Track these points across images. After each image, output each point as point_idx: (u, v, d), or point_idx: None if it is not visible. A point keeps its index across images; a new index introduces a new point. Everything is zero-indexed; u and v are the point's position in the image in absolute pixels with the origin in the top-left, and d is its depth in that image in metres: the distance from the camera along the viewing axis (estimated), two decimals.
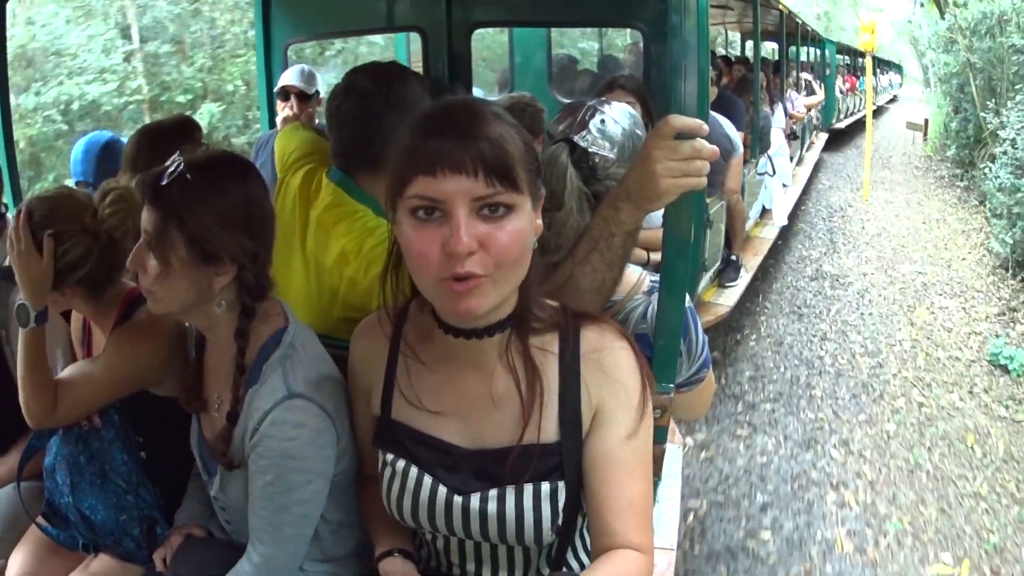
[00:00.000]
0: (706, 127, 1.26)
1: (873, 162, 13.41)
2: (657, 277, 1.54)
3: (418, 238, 1.09)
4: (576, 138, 1.57)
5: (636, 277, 1.54)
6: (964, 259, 8.68)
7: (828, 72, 14.42)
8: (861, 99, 18.43)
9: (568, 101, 5.01)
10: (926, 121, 17.92)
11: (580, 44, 10.52)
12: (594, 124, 1.58)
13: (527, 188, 1.12)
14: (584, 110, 1.61)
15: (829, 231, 9.71)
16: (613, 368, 1.23)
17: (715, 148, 1.27)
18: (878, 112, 21.55)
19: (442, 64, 3.22)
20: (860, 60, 18.72)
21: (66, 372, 1.66)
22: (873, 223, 10.26)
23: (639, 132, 1.63)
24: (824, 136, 13.23)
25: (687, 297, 1.46)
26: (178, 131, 2.35)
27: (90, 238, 1.64)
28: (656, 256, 1.89)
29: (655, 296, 1.47)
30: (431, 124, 1.11)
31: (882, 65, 21.06)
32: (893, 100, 28.91)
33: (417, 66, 3.37)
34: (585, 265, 1.37)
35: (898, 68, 29.83)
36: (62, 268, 1.61)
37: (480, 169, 1.07)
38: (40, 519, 1.74)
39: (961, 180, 12.99)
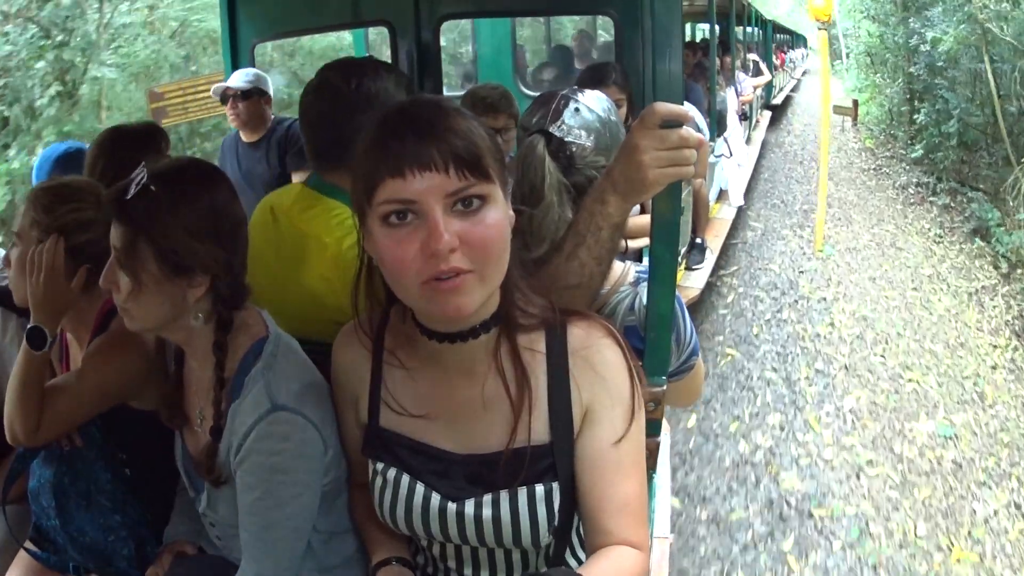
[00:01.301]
0: (691, 114, 1.20)
1: (807, 163, 10.43)
2: (641, 267, 1.47)
3: (393, 245, 1.04)
4: (551, 128, 1.50)
5: (621, 268, 1.48)
6: (995, 366, 5.49)
7: (765, 51, 14.34)
8: (788, 73, 18.22)
9: (533, 93, 4.98)
10: (855, 103, 15.27)
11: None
12: (568, 113, 1.52)
13: (497, 177, 1.08)
14: (557, 100, 1.54)
15: (780, 350, 5.39)
16: (602, 365, 1.18)
17: (701, 136, 1.21)
18: (794, 89, 20.11)
19: (410, 58, 3.13)
20: (779, 36, 18.37)
21: (46, 388, 1.58)
22: (844, 307, 6.22)
23: (613, 118, 1.58)
24: (768, 114, 12.71)
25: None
26: (142, 139, 2.25)
27: (100, 209, 1.57)
28: (633, 243, 1.82)
29: (642, 287, 1.41)
30: (391, 126, 1.05)
31: (792, 37, 20.85)
32: (803, 74, 27.68)
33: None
34: (572, 261, 1.31)
35: (803, 40, 28.53)
36: (63, 225, 1.56)
37: (450, 163, 1.02)
38: (28, 543, 1.68)
39: (935, 194, 9.68)
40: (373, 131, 1.07)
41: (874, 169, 11.44)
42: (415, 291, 1.05)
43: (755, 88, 10.06)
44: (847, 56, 25.88)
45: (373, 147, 1.05)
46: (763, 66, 11.72)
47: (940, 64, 9.79)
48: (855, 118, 14.82)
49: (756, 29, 13.16)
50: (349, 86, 1.71)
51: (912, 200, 9.65)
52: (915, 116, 11.04)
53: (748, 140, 9.39)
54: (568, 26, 9.73)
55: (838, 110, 13.83)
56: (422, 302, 1.07)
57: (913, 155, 10.65)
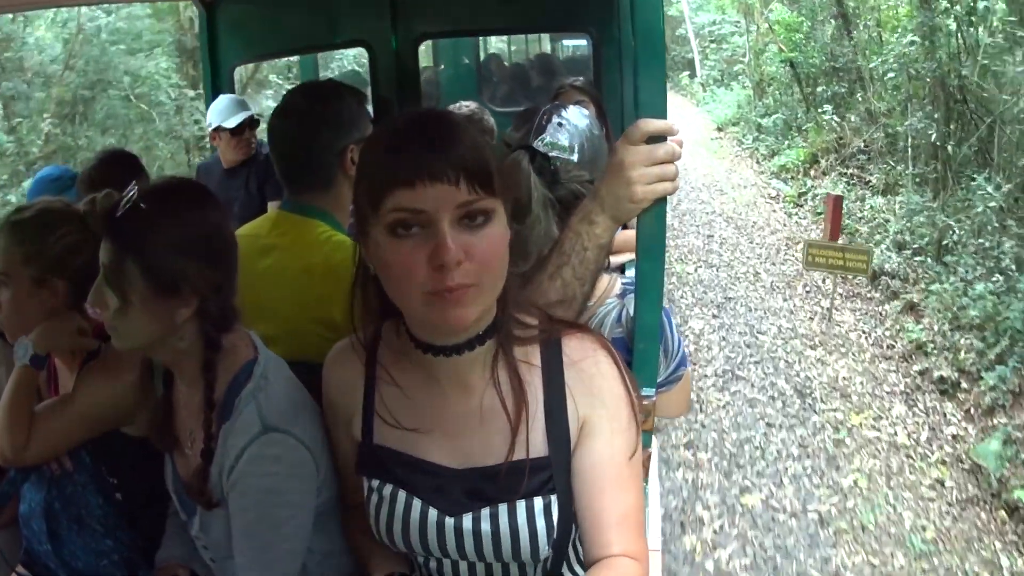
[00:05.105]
0: (676, 127, 1.14)
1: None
2: (627, 279, 1.42)
3: (399, 254, 0.99)
4: (535, 144, 1.44)
5: (607, 280, 1.43)
6: None
7: None
8: None
9: (499, 110, 4.88)
10: (836, 216, 5.76)
11: None
12: (551, 128, 1.46)
13: (501, 193, 1.04)
14: (540, 115, 1.50)
15: None
16: (598, 378, 1.13)
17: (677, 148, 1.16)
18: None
19: (389, 78, 3.06)
20: None
21: (36, 410, 1.51)
22: None
23: (596, 132, 1.52)
24: None
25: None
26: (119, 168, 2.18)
27: (85, 229, 1.52)
28: (616, 258, 1.76)
29: (628, 299, 1.36)
30: (403, 136, 1.01)
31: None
32: None
33: None
34: (555, 280, 1.27)
35: None
36: (58, 253, 1.50)
37: (461, 176, 0.98)
38: (20, 568, 1.60)
39: None
40: (383, 140, 1.03)
41: None
42: (417, 301, 1.01)
43: None
44: (701, 67, 19.05)
45: (383, 156, 1.01)
46: None
47: None
48: (856, 268, 5.63)
49: None
50: (314, 107, 1.70)
51: None
52: None
53: None
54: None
55: (818, 259, 5.68)
56: (423, 312, 1.03)
57: None
